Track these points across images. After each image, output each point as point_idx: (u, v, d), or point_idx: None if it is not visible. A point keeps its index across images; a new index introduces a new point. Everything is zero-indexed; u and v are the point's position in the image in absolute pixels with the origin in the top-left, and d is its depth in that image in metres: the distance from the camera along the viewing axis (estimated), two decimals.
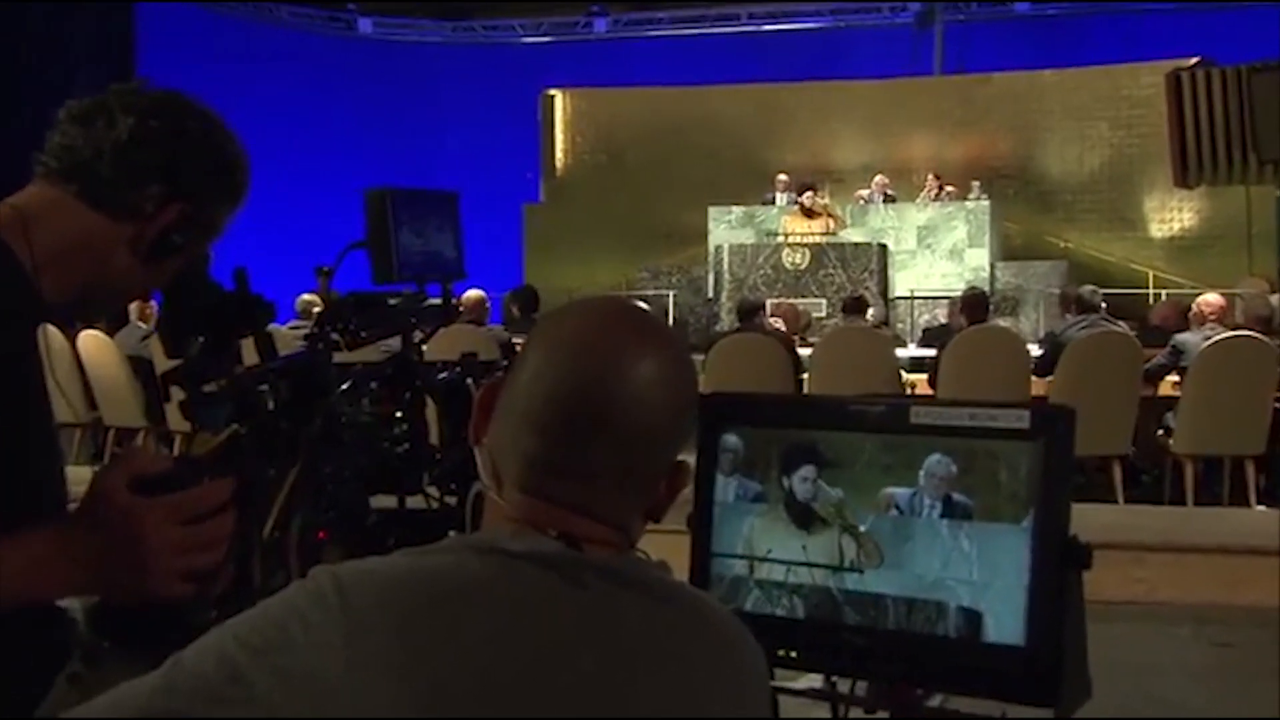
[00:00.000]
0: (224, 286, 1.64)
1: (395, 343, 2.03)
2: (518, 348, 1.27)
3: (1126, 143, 17.85)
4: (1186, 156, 11.93)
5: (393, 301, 2.03)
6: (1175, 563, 5.38)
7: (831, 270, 14.32)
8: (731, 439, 1.71)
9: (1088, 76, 17.98)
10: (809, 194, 15.02)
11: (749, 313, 8.74)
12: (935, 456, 1.59)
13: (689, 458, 1.28)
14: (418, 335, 2.06)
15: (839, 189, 18.26)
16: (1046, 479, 1.54)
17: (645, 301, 16.74)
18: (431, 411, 2.00)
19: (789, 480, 1.69)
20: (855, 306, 9.42)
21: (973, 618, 1.56)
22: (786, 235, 14.81)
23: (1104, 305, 8.05)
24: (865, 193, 16.93)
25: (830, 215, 15.11)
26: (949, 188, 16.79)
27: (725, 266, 14.81)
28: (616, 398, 1.15)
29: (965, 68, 19.18)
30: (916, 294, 15.38)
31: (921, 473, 1.60)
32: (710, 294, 15.44)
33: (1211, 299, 7.87)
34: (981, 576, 1.57)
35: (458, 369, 2.09)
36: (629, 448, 1.16)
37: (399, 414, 1.94)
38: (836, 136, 19.29)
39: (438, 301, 2.14)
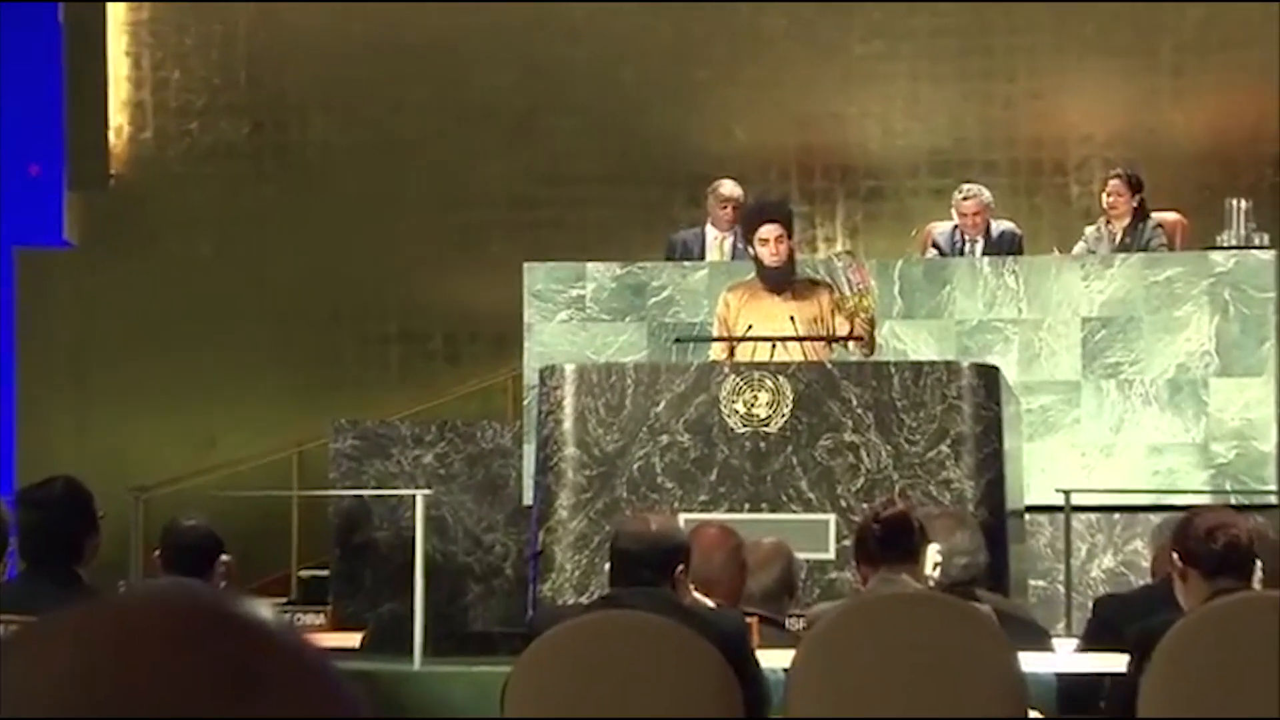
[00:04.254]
0: None
1: None
2: None
3: None
4: None
5: None
6: None
7: (851, 436, 14.29)
8: None
9: None
10: (781, 233, 15.10)
11: (630, 557, 8.90)
12: None
13: None
14: None
15: (871, 217, 19.60)
16: None
17: (346, 513, 16.56)
18: None
19: None
20: (891, 544, 9.46)
21: None
22: (733, 340, 15.11)
23: None
24: (941, 229, 17.70)
25: (846, 290, 15.33)
26: (1162, 215, 17.48)
27: (567, 423, 15.01)
28: None
29: None
30: (1078, 501, 15.75)
31: None
32: (527, 499, 15.71)
33: None
34: None
35: None
36: None
37: None
38: (860, 89, 20.61)
39: None
